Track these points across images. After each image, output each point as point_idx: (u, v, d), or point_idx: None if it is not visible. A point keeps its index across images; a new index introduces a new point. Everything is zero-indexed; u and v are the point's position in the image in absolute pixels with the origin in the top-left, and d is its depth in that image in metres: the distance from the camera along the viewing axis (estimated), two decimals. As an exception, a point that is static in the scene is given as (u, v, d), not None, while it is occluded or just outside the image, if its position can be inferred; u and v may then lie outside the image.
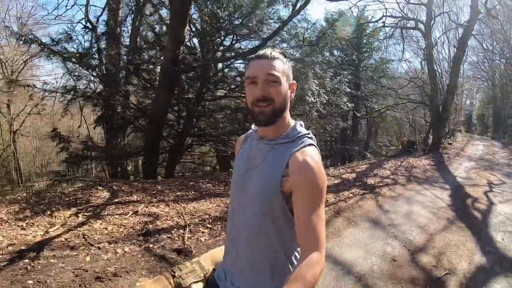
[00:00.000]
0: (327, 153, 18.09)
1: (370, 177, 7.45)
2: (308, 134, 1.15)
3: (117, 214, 4.24)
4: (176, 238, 3.67)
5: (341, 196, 5.73)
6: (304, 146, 1.09)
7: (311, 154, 1.06)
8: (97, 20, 8.70)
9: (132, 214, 4.26)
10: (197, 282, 1.66)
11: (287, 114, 1.15)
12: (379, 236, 4.08)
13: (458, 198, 6.19)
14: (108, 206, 4.48)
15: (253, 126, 1.29)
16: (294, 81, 1.16)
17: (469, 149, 15.86)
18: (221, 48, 8.54)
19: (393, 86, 17.13)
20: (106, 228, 3.83)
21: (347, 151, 17.79)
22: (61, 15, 11.14)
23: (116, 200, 4.78)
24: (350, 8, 14.53)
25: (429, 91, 15.56)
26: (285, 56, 1.14)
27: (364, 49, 18.35)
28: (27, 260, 2.96)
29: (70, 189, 5.21)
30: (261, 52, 1.12)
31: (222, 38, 8.33)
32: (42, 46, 6.89)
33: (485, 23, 17.51)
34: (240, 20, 7.59)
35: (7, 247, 3.21)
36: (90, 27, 8.52)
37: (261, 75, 1.07)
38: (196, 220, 4.27)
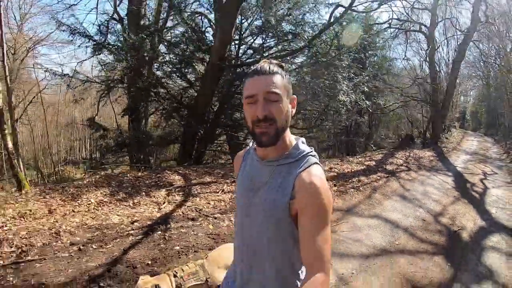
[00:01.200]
0: (334, 144, 19.32)
1: (387, 165, 9.00)
2: (311, 152, 1.11)
3: (207, 192, 5.22)
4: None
5: (371, 178, 7.27)
6: (309, 166, 1.05)
7: (317, 173, 1.04)
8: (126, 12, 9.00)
9: (222, 192, 5.29)
10: (197, 285, 1.77)
11: (288, 131, 1.11)
12: (409, 206, 5.64)
13: (460, 183, 7.77)
14: (193, 187, 5.33)
15: (251, 144, 1.25)
16: (295, 96, 1.11)
17: (465, 144, 17.55)
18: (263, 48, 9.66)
19: (395, 83, 18.49)
20: (209, 203, 4.72)
21: (352, 143, 19.08)
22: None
23: (194, 181, 5.66)
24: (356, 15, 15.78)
25: (429, 90, 17.08)
26: (283, 69, 1.09)
27: (370, 48, 19.58)
28: (160, 232, 3.57)
29: (140, 174, 5.85)
30: (258, 66, 1.06)
31: (267, 40, 9.53)
32: (89, 38, 7.59)
33: (484, 27, 18.85)
34: (289, 27, 8.86)
35: (132, 223, 3.73)
36: (118, 18, 9.02)
37: (260, 93, 1.02)
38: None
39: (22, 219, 3.85)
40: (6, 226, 3.62)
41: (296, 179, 1.03)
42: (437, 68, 19.42)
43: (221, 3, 8.00)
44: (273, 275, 1.09)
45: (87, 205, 4.35)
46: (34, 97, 13.91)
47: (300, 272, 1.11)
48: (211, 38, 9.27)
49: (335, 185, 6.23)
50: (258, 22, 9.19)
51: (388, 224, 4.63)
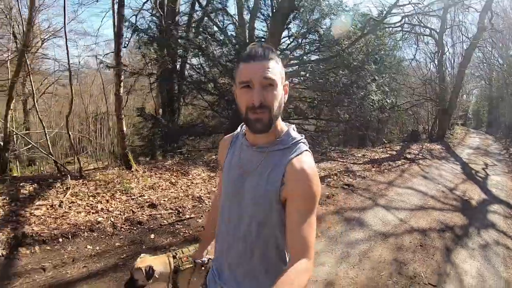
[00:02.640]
0: (347, 137, 20.85)
1: (406, 154, 10.80)
2: (302, 139, 1.12)
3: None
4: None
5: (397, 163, 9.10)
6: (300, 153, 1.06)
7: (308, 161, 1.05)
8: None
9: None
10: (191, 267, 1.83)
11: (279, 118, 1.10)
12: (430, 183, 7.45)
13: (466, 170, 9.57)
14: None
15: (239, 128, 1.26)
16: (287, 82, 1.11)
17: (468, 140, 19.37)
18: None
19: (404, 82, 20.12)
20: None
21: (364, 136, 20.71)
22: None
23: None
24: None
25: (437, 90, 18.84)
26: (275, 54, 1.05)
27: (383, 49, 21.16)
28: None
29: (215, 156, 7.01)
30: (253, 50, 1.02)
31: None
32: (145, 34, 8.84)
33: (488, 33, 20.39)
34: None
35: None
36: (158, 14, 9.78)
37: (256, 79, 0.99)
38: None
39: (152, 189, 5.13)
40: (144, 195, 4.77)
41: (287, 165, 1.04)
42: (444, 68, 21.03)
43: (273, 12, 9.75)
44: (262, 261, 1.11)
45: (201, 179, 5.89)
46: (48, 87, 14.38)
47: (287, 259, 1.13)
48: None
49: (373, 167, 8.06)
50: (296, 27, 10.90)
51: (419, 193, 6.45)
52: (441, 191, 6.81)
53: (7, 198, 4.12)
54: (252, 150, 1.13)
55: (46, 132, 6.03)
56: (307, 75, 10.27)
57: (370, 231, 4.30)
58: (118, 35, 5.83)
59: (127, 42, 7.61)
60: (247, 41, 9.51)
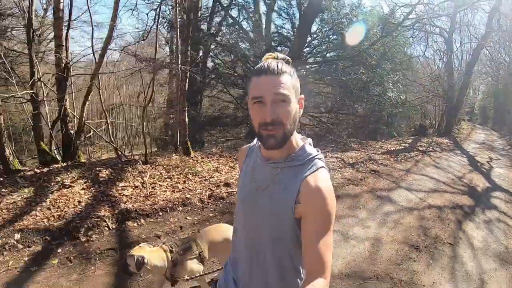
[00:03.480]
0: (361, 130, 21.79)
1: (418, 146, 11.90)
2: (318, 154, 1.10)
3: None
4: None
5: (411, 154, 10.20)
6: (315, 170, 1.05)
7: (323, 178, 1.03)
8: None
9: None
10: (191, 258, 1.97)
11: (294, 132, 1.08)
12: (441, 171, 8.53)
13: (473, 162, 10.63)
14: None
15: (255, 140, 1.24)
16: (302, 95, 1.08)
17: (474, 136, 20.40)
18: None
19: (414, 78, 20.97)
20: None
21: (374, 129, 21.64)
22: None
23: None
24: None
25: (445, 87, 19.79)
26: (290, 66, 1.04)
27: (394, 46, 21.96)
28: None
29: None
30: (265, 64, 1.00)
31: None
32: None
33: (496, 33, 21.12)
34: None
35: None
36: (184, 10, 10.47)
37: (268, 95, 0.97)
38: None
39: (217, 172, 5.97)
40: (213, 177, 5.62)
41: (302, 183, 1.02)
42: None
43: (301, 13, 10.75)
44: (276, 275, 1.10)
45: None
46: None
47: (302, 273, 1.13)
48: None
49: (391, 157, 9.16)
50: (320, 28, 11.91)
51: (432, 179, 7.54)
52: (450, 178, 7.90)
53: (89, 181, 4.88)
54: (266, 165, 1.11)
55: (108, 122, 6.97)
56: (332, 73, 11.27)
57: (398, 206, 5.42)
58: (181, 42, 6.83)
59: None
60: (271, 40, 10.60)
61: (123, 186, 4.91)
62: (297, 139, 1.12)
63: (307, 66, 11.66)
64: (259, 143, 1.12)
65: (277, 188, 1.07)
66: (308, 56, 11.63)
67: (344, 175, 6.85)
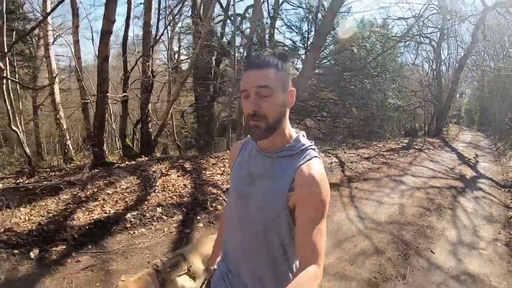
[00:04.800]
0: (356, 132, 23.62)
1: (414, 145, 13.81)
2: (311, 145, 1.14)
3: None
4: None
5: (410, 151, 12.07)
6: (309, 159, 1.09)
7: (317, 167, 1.07)
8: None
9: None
10: (181, 275, 1.83)
11: (286, 124, 1.13)
12: (436, 164, 10.37)
13: (461, 157, 12.52)
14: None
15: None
16: (293, 88, 1.11)
17: (461, 136, 22.49)
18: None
19: (405, 84, 22.87)
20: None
21: (371, 132, 23.47)
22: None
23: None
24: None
25: (435, 92, 21.82)
26: (284, 60, 1.08)
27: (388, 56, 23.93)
28: (343, 190, 8.90)
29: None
30: (253, 59, 1.14)
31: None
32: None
33: (481, 42, 23.09)
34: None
35: None
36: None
37: (251, 88, 1.04)
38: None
39: None
40: None
41: (296, 171, 1.06)
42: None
43: (315, 30, 12.56)
44: (269, 264, 1.14)
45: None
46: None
47: (293, 264, 1.16)
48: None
49: (394, 153, 11.02)
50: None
51: (430, 169, 9.36)
52: (444, 169, 9.75)
53: (180, 171, 5.99)
54: (260, 155, 1.16)
55: (174, 123, 8.66)
56: (340, 82, 13.11)
57: (409, 186, 7.20)
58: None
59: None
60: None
61: (211, 174, 6.31)
62: (291, 131, 1.15)
63: (318, 77, 13.45)
64: None
65: (271, 177, 1.10)
66: (320, 67, 13.40)
67: (364, 165, 8.64)
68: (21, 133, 5.58)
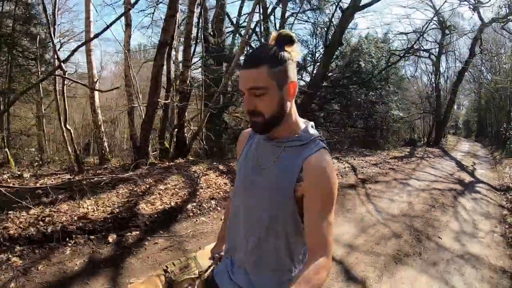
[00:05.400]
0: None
1: (416, 154, 14.70)
2: (319, 136, 1.14)
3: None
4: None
5: (412, 159, 12.95)
6: (318, 150, 1.08)
7: (326, 158, 1.07)
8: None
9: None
10: (189, 279, 1.72)
11: (292, 114, 1.13)
12: (437, 171, 11.23)
13: (460, 165, 13.43)
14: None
15: None
16: (294, 80, 1.07)
17: (459, 146, 23.46)
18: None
19: (408, 97, 23.94)
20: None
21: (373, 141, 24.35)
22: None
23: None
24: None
25: (434, 104, 22.80)
26: (279, 50, 1.03)
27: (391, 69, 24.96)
28: (359, 189, 9.72)
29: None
30: (246, 57, 1.07)
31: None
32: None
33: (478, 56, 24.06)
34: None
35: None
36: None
37: (244, 89, 1.03)
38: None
39: None
40: None
41: (305, 162, 1.06)
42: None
43: (325, 45, 13.48)
44: (272, 255, 1.14)
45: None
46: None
47: (295, 254, 1.16)
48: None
49: (399, 161, 11.90)
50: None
51: (432, 175, 10.21)
52: (445, 174, 10.61)
53: (217, 172, 6.56)
54: (269, 144, 1.16)
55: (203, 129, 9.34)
56: (347, 95, 14.04)
57: (415, 188, 8.04)
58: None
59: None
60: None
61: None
62: (300, 121, 1.16)
63: (326, 89, 14.38)
64: None
65: (279, 167, 1.10)
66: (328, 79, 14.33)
67: (373, 170, 9.48)
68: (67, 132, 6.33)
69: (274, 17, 14.58)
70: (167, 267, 1.81)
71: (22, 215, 3.92)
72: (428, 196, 7.29)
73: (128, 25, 7.56)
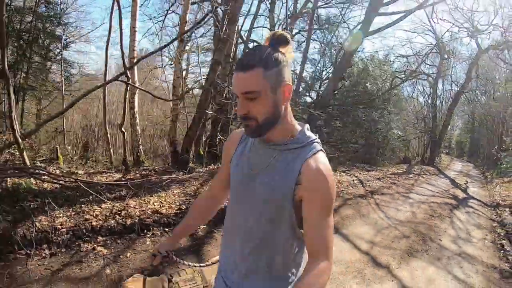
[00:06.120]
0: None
1: (413, 172, 15.73)
2: (316, 139, 1.13)
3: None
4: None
5: (411, 175, 13.98)
6: (315, 153, 1.07)
7: (324, 161, 1.06)
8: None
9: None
10: None
11: (287, 117, 1.10)
12: (433, 187, 12.22)
13: (454, 183, 14.44)
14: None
15: None
16: (289, 83, 1.05)
17: (453, 166, 24.62)
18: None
19: (405, 118, 25.04)
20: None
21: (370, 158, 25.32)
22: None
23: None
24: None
25: (430, 124, 23.93)
26: (274, 51, 1.01)
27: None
28: (369, 199, 10.75)
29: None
30: (240, 60, 1.03)
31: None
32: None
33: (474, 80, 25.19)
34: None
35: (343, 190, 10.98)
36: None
37: (238, 93, 1.01)
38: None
39: None
40: None
41: (303, 165, 1.05)
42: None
43: (336, 61, 14.54)
44: (270, 260, 1.13)
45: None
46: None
47: (297, 258, 1.17)
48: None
49: (399, 177, 12.89)
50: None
51: (429, 190, 11.20)
52: (441, 190, 11.60)
53: None
54: (265, 147, 1.13)
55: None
56: (352, 113, 15.08)
57: (415, 200, 9.00)
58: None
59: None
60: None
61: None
62: (294, 122, 1.14)
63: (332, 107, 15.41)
64: None
65: (276, 170, 1.09)
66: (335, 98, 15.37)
67: (377, 184, 10.45)
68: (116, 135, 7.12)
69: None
70: (171, 276, 1.86)
71: (95, 209, 4.27)
72: (428, 208, 8.25)
73: (181, 40, 8.30)
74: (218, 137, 8.81)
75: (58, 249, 3.46)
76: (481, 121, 30.35)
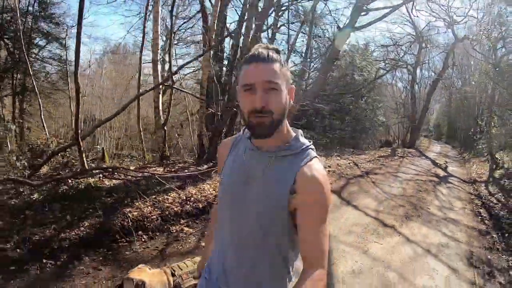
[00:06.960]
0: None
1: (398, 154, 17.05)
2: (310, 145, 1.12)
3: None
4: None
5: (396, 157, 15.25)
6: (310, 160, 1.06)
7: (318, 168, 1.04)
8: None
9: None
10: (196, 284, 1.67)
11: (286, 121, 1.09)
12: (417, 167, 13.47)
13: (434, 163, 15.76)
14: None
15: (241, 132, 1.23)
16: (293, 86, 1.09)
17: (432, 148, 26.23)
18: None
19: (387, 104, 26.40)
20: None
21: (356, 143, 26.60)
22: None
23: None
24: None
25: (410, 110, 25.33)
26: (279, 54, 1.03)
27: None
28: (366, 178, 11.88)
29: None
30: (256, 52, 1.01)
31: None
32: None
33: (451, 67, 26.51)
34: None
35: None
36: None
37: (259, 83, 0.98)
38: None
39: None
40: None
41: (298, 173, 1.03)
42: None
43: (324, 59, 15.53)
44: (266, 269, 1.11)
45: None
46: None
47: (290, 266, 1.14)
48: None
49: (385, 159, 14.12)
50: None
51: (413, 169, 12.40)
52: (423, 169, 12.86)
53: None
54: (258, 154, 1.11)
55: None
56: (340, 102, 16.19)
57: (403, 178, 10.15)
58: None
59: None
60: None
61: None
62: (289, 128, 1.12)
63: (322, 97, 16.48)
64: (248, 134, 1.14)
65: (270, 178, 1.06)
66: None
67: (369, 165, 11.63)
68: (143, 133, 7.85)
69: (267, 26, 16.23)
70: (174, 269, 1.86)
71: (167, 198, 4.73)
72: (415, 184, 9.43)
73: (210, 48, 8.77)
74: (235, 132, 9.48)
75: (153, 233, 4.02)
76: (457, 105, 31.73)
